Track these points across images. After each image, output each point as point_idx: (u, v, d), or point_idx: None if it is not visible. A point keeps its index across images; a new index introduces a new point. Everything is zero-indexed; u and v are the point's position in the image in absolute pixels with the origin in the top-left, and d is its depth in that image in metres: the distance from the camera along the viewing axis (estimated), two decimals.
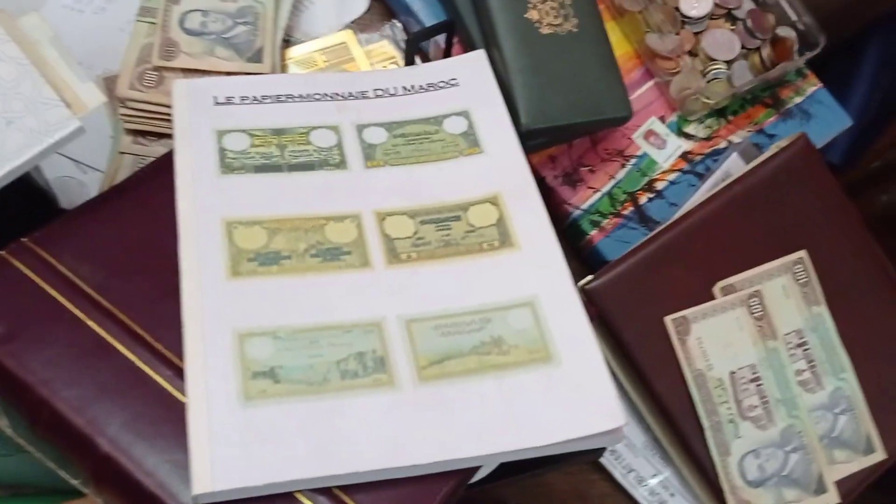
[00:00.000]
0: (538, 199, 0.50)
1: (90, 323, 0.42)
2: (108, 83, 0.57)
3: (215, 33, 0.57)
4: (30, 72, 0.44)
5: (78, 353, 0.41)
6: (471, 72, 0.56)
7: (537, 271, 0.47)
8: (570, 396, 0.43)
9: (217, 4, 0.58)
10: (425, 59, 0.62)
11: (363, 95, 0.54)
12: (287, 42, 0.62)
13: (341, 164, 0.50)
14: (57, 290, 0.43)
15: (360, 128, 0.52)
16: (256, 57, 0.57)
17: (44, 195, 0.52)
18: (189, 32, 0.56)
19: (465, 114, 0.54)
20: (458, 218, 0.49)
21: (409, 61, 0.59)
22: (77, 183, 0.55)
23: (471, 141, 0.53)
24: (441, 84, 0.55)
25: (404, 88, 0.55)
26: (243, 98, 0.52)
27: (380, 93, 0.54)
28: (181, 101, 0.51)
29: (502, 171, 0.51)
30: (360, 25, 0.64)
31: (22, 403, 0.41)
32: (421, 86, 0.55)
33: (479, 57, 0.57)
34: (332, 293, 0.45)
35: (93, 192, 0.55)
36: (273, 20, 0.58)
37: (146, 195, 0.48)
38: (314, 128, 0.51)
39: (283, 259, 0.46)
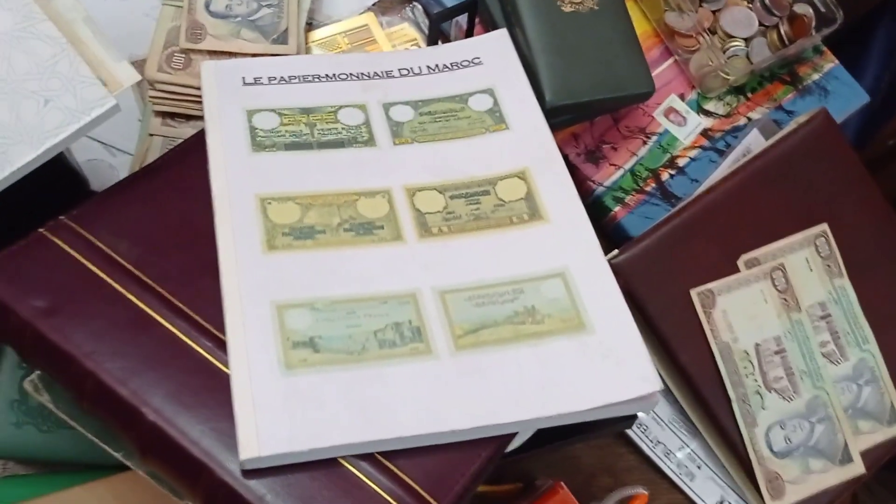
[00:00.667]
0: (565, 173, 0.51)
1: (131, 297, 0.43)
2: (136, 67, 0.57)
3: (241, 16, 0.57)
4: (67, 50, 0.44)
5: (120, 326, 0.42)
6: (494, 51, 0.57)
7: (567, 243, 0.48)
8: (605, 363, 0.43)
9: None
10: (446, 40, 0.62)
11: (388, 75, 0.54)
12: (309, 25, 0.62)
13: (370, 142, 0.51)
14: (97, 265, 0.44)
15: (387, 106, 0.53)
16: (282, 39, 0.57)
17: (75, 177, 0.53)
18: (215, 15, 0.57)
19: (489, 91, 0.54)
20: (487, 192, 0.50)
21: (433, 41, 0.59)
22: (107, 165, 0.56)
23: (496, 118, 0.53)
24: (465, 63, 0.56)
25: (429, 68, 0.55)
26: (271, 78, 0.52)
27: (405, 72, 0.55)
28: (210, 82, 0.51)
29: (528, 146, 0.52)
30: (380, 8, 0.65)
31: (66, 376, 0.41)
32: (445, 65, 0.56)
33: (501, 36, 0.57)
34: (367, 266, 0.45)
35: (122, 174, 0.56)
36: (297, 3, 0.59)
37: (179, 174, 0.48)
38: (342, 106, 0.52)
39: (318, 233, 0.46)
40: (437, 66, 0.55)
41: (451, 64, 0.56)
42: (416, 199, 0.49)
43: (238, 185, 0.47)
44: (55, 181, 0.51)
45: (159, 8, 0.59)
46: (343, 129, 0.51)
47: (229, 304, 0.43)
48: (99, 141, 0.56)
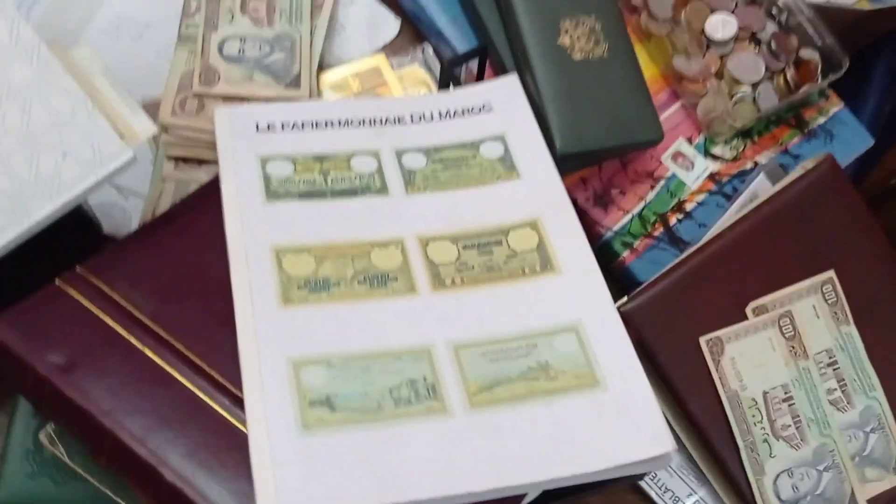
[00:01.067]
0: (576, 223, 0.51)
1: (147, 351, 0.43)
2: (149, 110, 0.58)
3: (253, 59, 0.58)
4: (85, 103, 0.45)
5: (137, 382, 0.42)
6: (504, 96, 0.57)
7: (579, 295, 0.48)
8: (619, 422, 0.43)
9: (254, 31, 0.59)
10: (457, 83, 0.63)
11: (401, 121, 0.55)
12: (320, 66, 0.63)
13: (382, 190, 0.51)
14: (113, 318, 0.44)
15: (400, 153, 0.53)
16: (294, 83, 0.57)
17: (88, 221, 0.53)
18: (228, 59, 0.57)
19: (500, 139, 0.55)
20: (499, 242, 0.50)
21: (444, 86, 0.60)
22: (119, 209, 0.56)
23: (508, 166, 0.53)
24: (476, 109, 0.56)
25: (440, 114, 0.56)
26: (284, 125, 0.53)
27: (417, 118, 0.55)
28: (224, 129, 0.52)
29: (540, 195, 0.52)
30: (391, 49, 0.65)
31: (84, 433, 0.41)
32: (456, 111, 0.56)
33: (512, 82, 0.58)
34: (381, 319, 0.46)
35: (135, 217, 0.56)
36: (309, 46, 0.59)
37: (193, 222, 0.49)
38: (355, 153, 0.52)
39: (333, 286, 0.46)
40: (448, 112, 0.56)
41: (462, 110, 0.56)
42: (430, 250, 0.49)
43: (253, 236, 0.47)
44: (68, 225, 0.51)
45: (172, 49, 0.59)
46: (356, 176, 0.51)
47: (246, 361, 0.43)
48: (111, 184, 0.56)
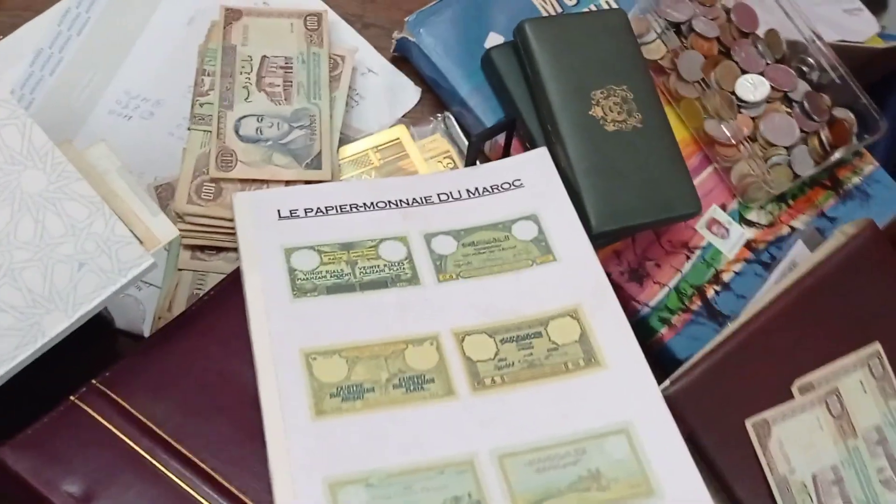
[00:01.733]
0: (618, 309, 0.49)
1: (171, 475, 0.40)
2: (161, 192, 0.55)
3: (272, 139, 0.55)
4: (101, 209, 0.42)
5: None
6: (535, 171, 0.55)
7: (628, 392, 0.46)
8: None
9: (272, 108, 0.56)
10: (484, 157, 0.61)
11: (427, 200, 0.52)
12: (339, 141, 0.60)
13: (413, 280, 0.48)
14: (133, 438, 0.41)
15: (429, 237, 0.50)
16: (315, 163, 0.55)
17: (98, 316, 0.50)
18: (245, 139, 0.55)
19: (533, 217, 0.52)
20: (539, 335, 0.47)
21: (471, 162, 0.57)
22: (132, 301, 0.53)
23: (542, 248, 0.51)
24: (505, 185, 0.54)
25: (468, 192, 0.53)
26: (308, 210, 0.50)
27: (444, 197, 0.53)
28: (244, 217, 0.49)
29: (578, 279, 0.50)
30: (411, 119, 0.63)
31: None
32: (485, 188, 0.54)
33: (542, 155, 0.55)
34: (420, 428, 0.43)
35: (149, 309, 0.53)
36: (329, 122, 0.57)
37: (215, 324, 0.46)
38: (383, 240, 0.50)
39: (367, 392, 0.44)
40: (476, 189, 0.53)
41: (490, 187, 0.54)
42: (466, 345, 0.46)
43: (281, 339, 0.45)
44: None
45: (184, 127, 0.56)
46: (385, 265, 0.49)
47: (279, 484, 0.40)
48: None
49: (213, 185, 0.53)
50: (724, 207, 0.62)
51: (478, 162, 0.57)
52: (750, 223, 0.62)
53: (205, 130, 0.55)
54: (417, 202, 0.52)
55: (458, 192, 0.53)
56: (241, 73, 0.57)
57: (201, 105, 0.56)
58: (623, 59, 0.58)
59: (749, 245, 0.61)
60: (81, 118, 0.57)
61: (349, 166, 0.59)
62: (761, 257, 0.61)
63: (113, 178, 0.44)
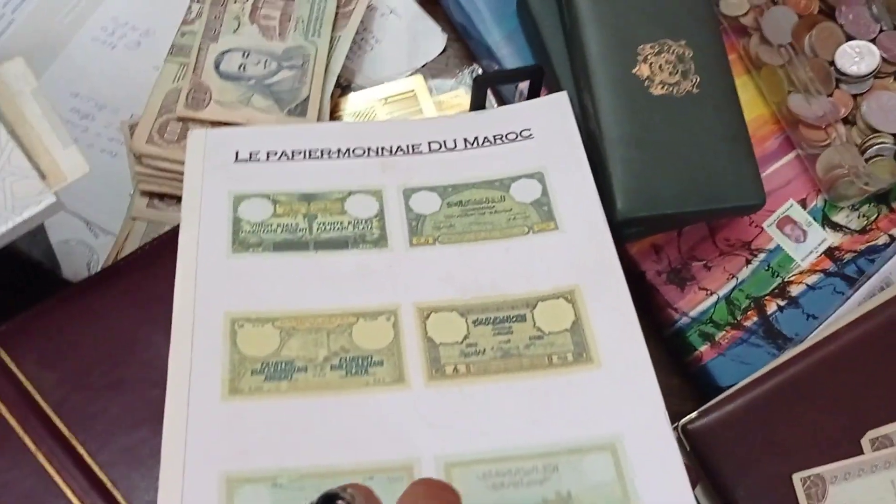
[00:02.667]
0: (626, 296, 0.39)
1: (38, 454, 0.34)
2: (132, 130, 0.49)
3: (255, 78, 0.48)
4: None
5: (18, 498, 0.33)
6: (550, 120, 0.45)
7: (623, 400, 0.36)
8: None
9: (262, 43, 0.49)
10: (503, 104, 0.51)
11: (415, 149, 0.43)
12: (344, 88, 0.52)
13: (380, 242, 0.40)
14: (7, 404, 0.35)
15: (409, 193, 0.42)
16: (300, 110, 0.47)
17: (36, 264, 0.44)
18: (225, 76, 0.48)
19: (538, 176, 0.43)
20: (522, 318, 0.38)
21: (475, 108, 0.48)
22: (85, 248, 0.47)
23: (544, 213, 0.41)
24: (511, 136, 0.44)
25: (466, 142, 0.44)
26: (270, 153, 0.42)
27: (435, 146, 0.44)
28: (195, 157, 0.42)
29: (582, 256, 0.40)
30: (432, 70, 0.54)
31: None
32: (486, 138, 0.44)
33: (560, 101, 0.45)
34: (354, 421, 0.35)
35: (102, 260, 0.47)
36: (325, 64, 0.49)
37: (140, 282, 0.39)
38: (352, 192, 0.42)
39: (298, 372, 0.36)
40: (476, 139, 0.44)
41: (493, 137, 0.44)
42: (430, 324, 0.38)
43: (206, 300, 0.37)
44: (8, 271, 0.42)
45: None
46: (350, 222, 0.41)
47: (166, 474, 0.33)
48: (81, 218, 0.48)
49: (180, 125, 0.46)
50: (803, 204, 0.50)
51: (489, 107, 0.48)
52: (836, 226, 0.50)
53: (181, 63, 0.48)
54: (402, 151, 0.43)
55: (454, 140, 0.44)
56: (234, 1, 0.49)
57: (183, 35, 0.49)
58: (686, 9, 0.47)
59: (831, 253, 0.49)
60: (62, 43, 0.52)
61: (349, 119, 0.51)
62: (845, 270, 0.49)
63: (26, 99, 0.37)
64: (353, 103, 0.51)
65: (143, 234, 0.46)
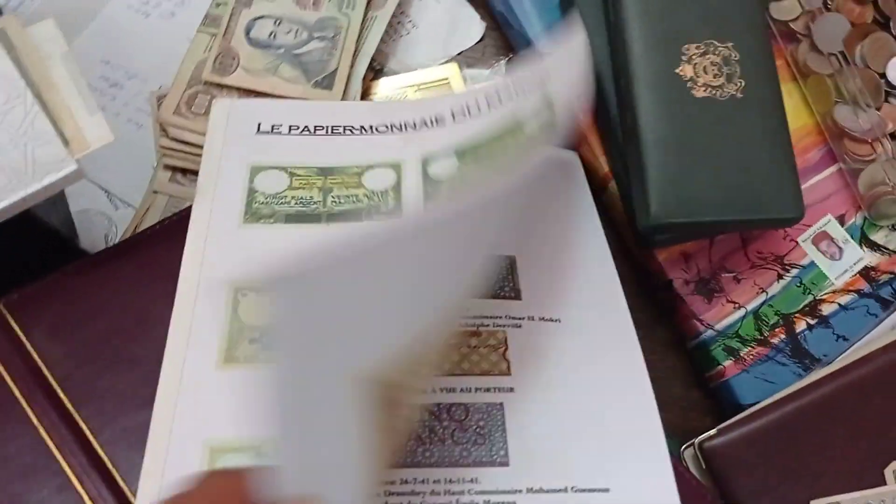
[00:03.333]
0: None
1: (40, 428, 0.34)
2: (160, 102, 0.48)
3: (284, 47, 0.47)
4: (24, 96, 0.35)
5: (17, 471, 0.33)
6: (566, 61, 0.43)
7: None
8: None
9: (294, 12, 0.48)
10: None
11: (437, 121, 0.42)
12: (377, 72, 0.51)
13: (395, 212, 0.39)
14: (13, 376, 0.35)
15: (428, 161, 0.41)
16: (326, 82, 0.46)
17: (56, 234, 0.43)
18: (254, 43, 0.47)
19: (548, 104, 0.41)
20: None
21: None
22: (104, 219, 0.47)
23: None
24: (532, 88, 0.43)
25: (488, 103, 0.43)
26: (292, 127, 0.42)
27: (460, 114, 0.43)
28: (217, 126, 0.41)
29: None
30: (468, 59, 0.53)
31: None
32: (509, 95, 0.43)
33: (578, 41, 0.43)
34: None
35: (120, 233, 0.46)
36: (356, 38, 0.47)
37: (155, 258, 0.38)
38: (371, 167, 0.41)
39: None
40: (499, 97, 0.43)
41: (516, 91, 0.43)
42: None
43: (211, 268, 0.37)
44: (26, 240, 0.42)
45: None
46: (365, 195, 0.40)
47: (152, 440, 0.32)
48: (102, 188, 0.47)
49: (208, 98, 0.45)
50: (841, 220, 0.48)
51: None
52: (874, 246, 0.48)
53: (213, 34, 0.47)
54: (426, 124, 0.42)
55: (477, 104, 0.43)
56: None
57: (217, 5, 0.48)
58: (735, 10, 0.45)
59: (867, 274, 0.47)
60: (96, 9, 0.51)
61: None
62: (880, 292, 0.47)
63: (54, 62, 0.36)
64: (384, 88, 0.50)
65: (163, 208, 0.45)
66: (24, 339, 0.35)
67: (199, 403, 0.33)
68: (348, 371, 0.24)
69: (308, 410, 0.24)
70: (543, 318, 0.38)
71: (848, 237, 0.48)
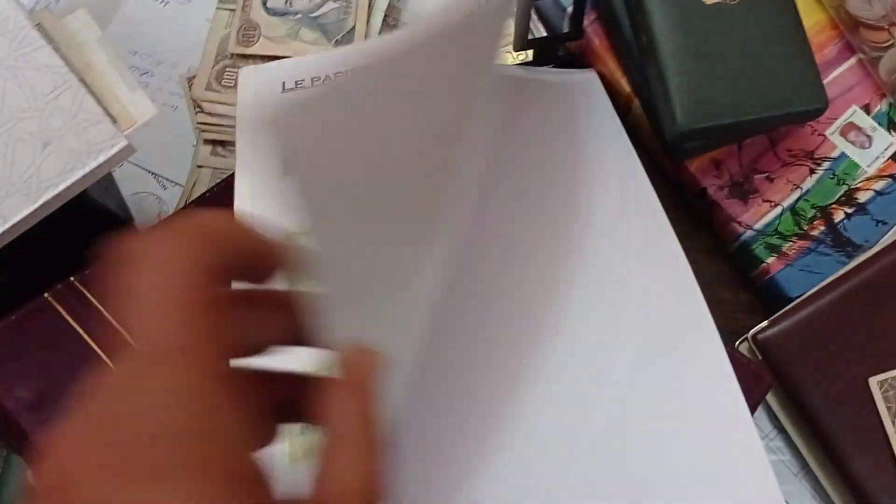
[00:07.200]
0: None
1: None
2: (191, 83, 0.50)
3: (301, 12, 0.48)
4: (70, 82, 0.37)
5: None
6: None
7: None
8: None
9: None
10: (547, 26, 0.50)
11: None
12: (393, 28, 0.52)
13: None
14: (96, 339, 0.37)
15: None
16: (346, 40, 0.48)
17: (113, 215, 0.46)
18: (272, 12, 0.48)
19: None
20: None
21: (521, 22, 0.47)
22: (155, 199, 0.49)
23: None
24: None
25: None
26: (315, 80, 0.43)
27: None
28: (246, 93, 0.43)
29: None
30: None
31: None
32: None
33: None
34: None
35: (172, 210, 0.48)
36: None
37: None
38: None
39: None
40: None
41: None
42: None
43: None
44: (87, 224, 0.44)
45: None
46: None
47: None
48: (148, 171, 0.49)
49: (235, 71, 0.47)
50: (867, 109, 0.49)
51: (532, 29, 0.47)
52: None
53: (231, 9, 0.49)
54: None
55: None
56: None
57: None
58: None
59: None
60: (116, 4, 0.53)
61: None
62: None
63: (92, 48, 0.38)
64: None
65: (209, 181, 0.47)
66: (102, 308, 0.37)
67: None
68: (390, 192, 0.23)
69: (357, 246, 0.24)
70: None
71: (875, 125, 0.49)
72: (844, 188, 0.47)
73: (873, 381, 0.42)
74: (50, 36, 0.38)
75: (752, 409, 0.38)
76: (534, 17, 0.52)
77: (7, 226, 0.36)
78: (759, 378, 0.37)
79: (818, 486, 0.44)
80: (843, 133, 0.48)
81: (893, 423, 0.42)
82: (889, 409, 0.42)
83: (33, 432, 0.34)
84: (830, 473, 0.43)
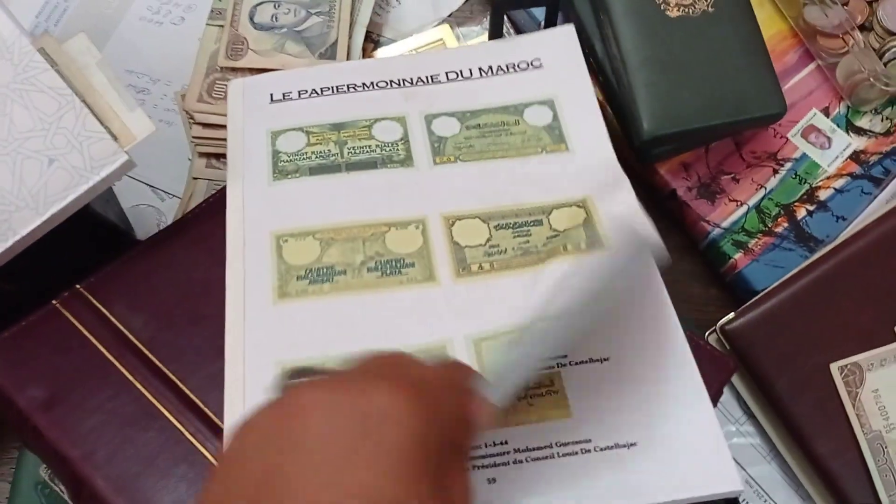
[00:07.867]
0: (633, 198, 0.42)
1: (136, 383, 0.38)
2: (184, 97, 0.52)
3: (286, 26, 0.51)
4: (72, 103, 0.39)
5: (123, 421, 0.37)
6: (559, 51, 0.47)
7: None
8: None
9: None
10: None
11: (434, 79, 0.47)
12: (375, 43, 0.55)
13: (406, 161, 0.44)
14: (104, 344, 0.39)
15: (430, 118, 0.45)
16: (330, 53, 0.50)
17: (114, 227, 0.48)
18: (259, 27, 0.51)
19: (549, 103, 0.46)
20: (538, 223, 0.42)
21: (493, 35, 0.50)
22: (154, 211, 0.51)
23: (555, 136, 0.44)
24: (523, 65, 0.47)
25: (480, 71, 0.47)
26: (301, 92, 0.46)
27: (453, 76, 0.47)
28: (236, 104, 0.46)
29: (592, 173, 0.43)
30: (458, 18, 0.56)
31: (63, 477, 0.37)
32: (500, 67, 0.47)
33: (568, 33, 0.48)
34: (391, 315, 0.39)
35: (170, 220, 0.51)
36: (351, 10, 0.52)
37: (207, 231, 0.43)
38: (378, 120, 0.45)
39: (337, 275, 0.40)
40: (490, 68, 0.47)
41: (506, 66, 0.47)
42: (456, 230, 0.41)
43: (253, 223, 0.42)
44: (92, 234, 0.47)
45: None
46: (377, 146, 0.44)
47: (230, 366, 0.37)
48: (148, 184, 0.52)
49: (224, 83, 0.50)
50: (826, 112, 0.52)
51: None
52: (860, 131, 0.51)
53: (220, 25, 0.52)
54: (423, 81, 0.47)
55: (469, 70, 0.47)
56: None
57: (220, 0, 0.52)
58: None
59: (857, 157, 0.51)
60: (113, 25, 0.56)
61: None
62: (872, 172, 0.50)
63: (92, 71, 0.41)
64: (382, 55, 0.54)
65: (204, 192, 0.50)
66: (107, 313, 0.40)
67: (264, 333, 0.38)
68: None
69: None
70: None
71: (834, 126, 0.51)
72: (806, 187, 0.50)
73: (834, 367, 0.45)
74: (53, 60, 0.40)
75: (719, 393, 0.40)
76: (510, 29, 0.55)
77: (17, 238, 0.39)
78: (723, 363, 0.40)
79: (787, 467, 0.46)
80: (804, 135, 0.51)
81: (854, 406, 0.44)
82: (850, 392, 0.45)
83: (45, 429, 0.37)
84: (797, 455, 0.46)
